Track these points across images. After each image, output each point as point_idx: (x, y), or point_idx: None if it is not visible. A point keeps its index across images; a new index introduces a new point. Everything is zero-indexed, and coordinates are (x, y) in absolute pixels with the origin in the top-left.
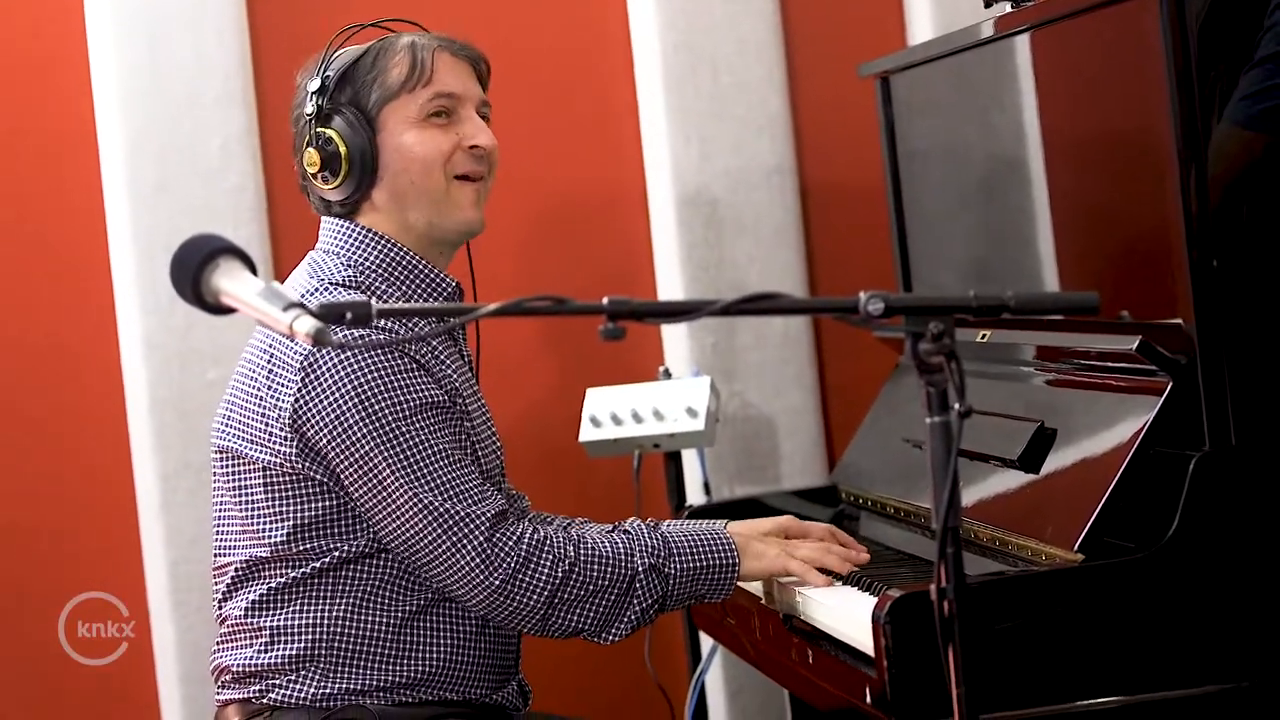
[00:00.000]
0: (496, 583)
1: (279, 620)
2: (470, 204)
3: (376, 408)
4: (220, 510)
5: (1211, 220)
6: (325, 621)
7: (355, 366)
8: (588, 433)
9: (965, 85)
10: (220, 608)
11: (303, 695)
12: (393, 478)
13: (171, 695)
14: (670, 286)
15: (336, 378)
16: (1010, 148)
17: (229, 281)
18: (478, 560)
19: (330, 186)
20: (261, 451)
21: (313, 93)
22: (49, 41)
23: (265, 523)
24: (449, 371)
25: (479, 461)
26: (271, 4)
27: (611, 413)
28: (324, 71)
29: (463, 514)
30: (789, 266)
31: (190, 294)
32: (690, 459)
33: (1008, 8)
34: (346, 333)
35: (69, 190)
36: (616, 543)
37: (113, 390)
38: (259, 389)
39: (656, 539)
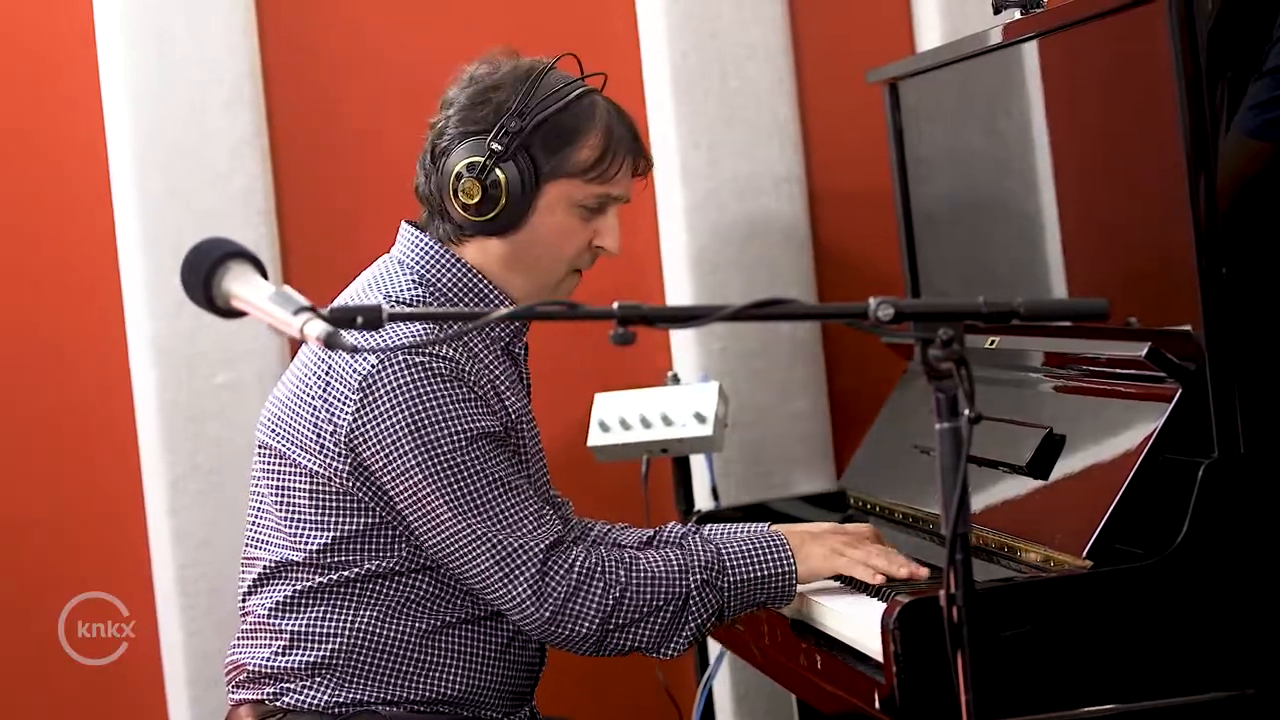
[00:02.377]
0: (547, 614)
1: (300, 624)
2: (569, 293)
3: (430, 436)
4: (258, 501)
5: (1221, 227)
6: (347, 631)
7: (413, 393)
8: (596, 437)
9: (973, 92)
10: (244, 600)
11: (316, 702)
12: (445, 508)
13: (179, 698)
14: (679, 292)
15: (393, 402)
16: (1018, 154)
17: (240, 285)
18: (529, 592)
19: (464, 215)
20: (311, 461)
21: (509, 130)
22: (58, 46)
23: (304, 528)
24: (505, 402)
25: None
26: (280, 8)
27: (620, 417)
28: (525, 107)
29: (516, 545)
30: (798, 272)
31: (201, 298)
32: (698, 464)
33: (1016, 14)
34: (372, 335)
35: (78, 194)
36: (670, 560)
37: (121, 394)
38: (313, 400)
39: (710, 553)
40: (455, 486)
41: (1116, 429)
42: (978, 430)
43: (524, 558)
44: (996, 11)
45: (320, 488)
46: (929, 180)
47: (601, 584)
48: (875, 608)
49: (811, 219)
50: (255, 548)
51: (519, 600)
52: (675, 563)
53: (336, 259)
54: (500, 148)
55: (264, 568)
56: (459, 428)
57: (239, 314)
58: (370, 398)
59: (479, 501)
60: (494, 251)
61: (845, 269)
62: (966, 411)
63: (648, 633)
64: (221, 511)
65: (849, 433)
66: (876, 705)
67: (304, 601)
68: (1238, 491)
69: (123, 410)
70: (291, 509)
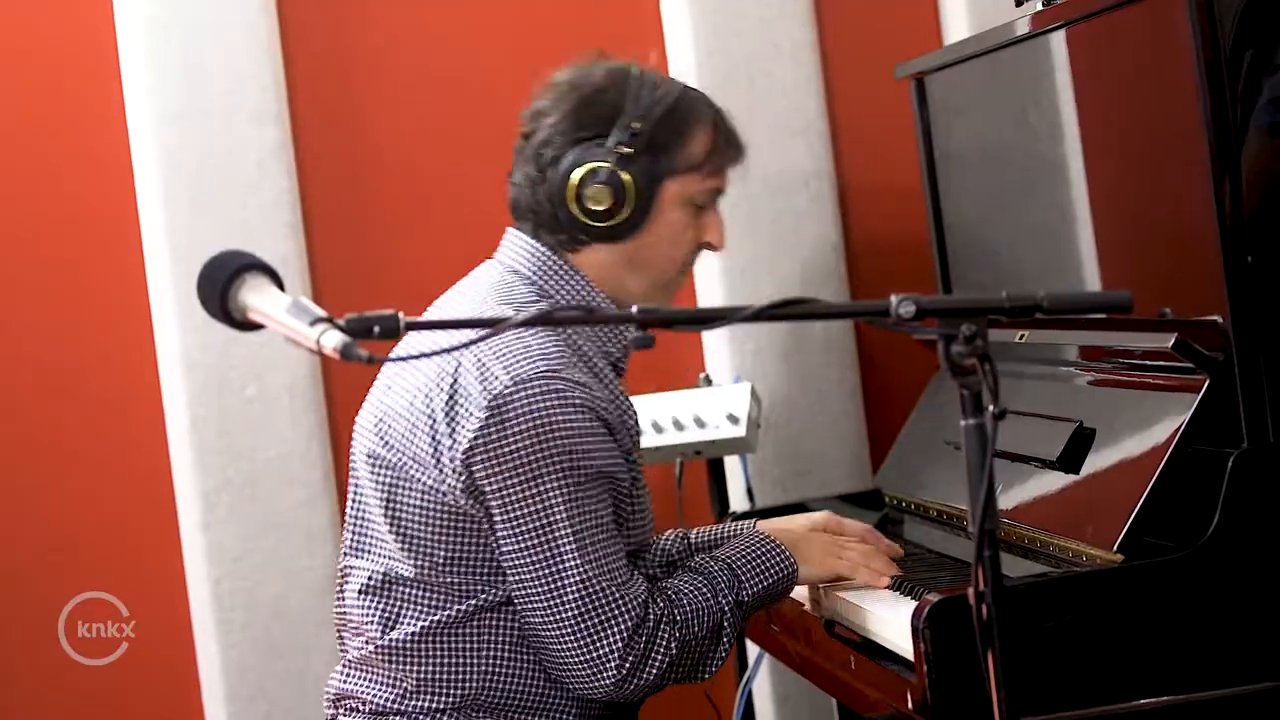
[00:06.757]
0: (628, 668)
1: (429, 669)
2: (677, 291)
3: (550, 464)
4: (360, 510)
5: (1246, 216)
6: (479, 672)
7: (544, 419)
8: None
9: (1001, 84)
10: (344, 608)
11: None
12: (545, 539)
13: (218, 715)
14: (710, 292)
15: (521, 427)
16: (1047, 146)
17: (256, 297)
18: (620, 645)
19: (587, 220)
20: (426, 475)
21: (633, 131)
22: (82, 59)
23: (415, 543)
24: (629, 426)
25: (631, 532)
26: (304, 20)
27: (652, 420)
28: (640, 106)
29: (614, 595)
30: (829, 270)
31: (218, 311)
32: (733, 465)
33: (1039, 5)
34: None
35: (104, 210)
36: (699, 586)
37: (151, 409)
38: (434, 413)
39: (725, 571)
40: (562, 519)
41: (1145, 421)
42: (1010, 425)
43: (621, 609)
44: (1019, 4)
45: (432, 503)
46: (958, 174)
47: (667, 634)
48: (907, 607)
49: (842, 216)
50: (357, 556)
51: (607, 651)
52: (705, 588)
53: (365, 270)
54: (628, 149)
55: (369, 577)
56: (583, 462)
57: (256, 327)
58: (498, 417)
59: (584, 540)
60: (609, 257)
61: (877, 266)
62: (991, 407)
63: (689, 663)
64: (254, 526)
65: (884, 430)
66: (910, 705)
67: (431, 642)
68: (1268, 481)
69: (153, 425)
70: (400, 520)
